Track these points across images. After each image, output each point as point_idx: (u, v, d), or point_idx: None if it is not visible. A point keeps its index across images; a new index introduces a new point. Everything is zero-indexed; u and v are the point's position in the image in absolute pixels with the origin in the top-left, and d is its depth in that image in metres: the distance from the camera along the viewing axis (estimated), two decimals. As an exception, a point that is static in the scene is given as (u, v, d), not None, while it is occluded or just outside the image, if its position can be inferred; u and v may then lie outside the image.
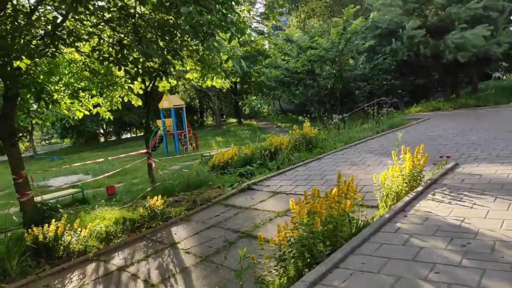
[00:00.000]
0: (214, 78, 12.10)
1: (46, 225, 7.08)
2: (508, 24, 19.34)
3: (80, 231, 7.24)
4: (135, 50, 6.64)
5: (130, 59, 7.71)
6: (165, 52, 7.37)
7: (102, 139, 48.34)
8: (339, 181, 5.22)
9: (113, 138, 50.13)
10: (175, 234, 7.65)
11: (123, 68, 7.45)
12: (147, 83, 11.71)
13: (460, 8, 17.17)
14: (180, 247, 6.73)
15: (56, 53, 6.84)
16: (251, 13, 44.15)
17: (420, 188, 6.37)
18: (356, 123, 17.51)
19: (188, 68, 11.73)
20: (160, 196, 8.81)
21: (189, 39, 7.44)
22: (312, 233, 4.29)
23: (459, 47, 16.68)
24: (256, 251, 4.97)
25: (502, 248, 4.03)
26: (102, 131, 46.61)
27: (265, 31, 47.52)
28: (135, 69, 8.69)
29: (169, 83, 11.76)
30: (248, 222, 7.53)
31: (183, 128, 27.69)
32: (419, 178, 6.80)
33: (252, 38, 43.16)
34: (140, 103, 12.43)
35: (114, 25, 7.25)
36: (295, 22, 41.22)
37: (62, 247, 6.98)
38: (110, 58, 7.66)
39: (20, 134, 12.78)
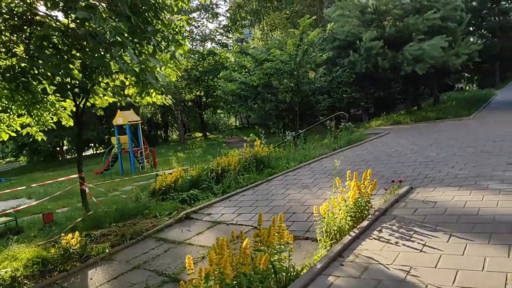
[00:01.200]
0: (153, 94, 11.11)
1: None
2: (466, 35, 19.10)
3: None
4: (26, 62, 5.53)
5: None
6: (73, 66, 6.34)
7: (62, 157, 46.35)
8: (260, 225, 4.25)
9: (75, 155, 48.12)
10: (91, 279, 6.52)
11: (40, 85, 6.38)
12: (78, 101, 10.56)
13: (418, 19, 16.76)
14: (90, 299, 5.63)
15: None
16: (212, 24, 43.64)
17: (365, 223, 5.48)
18: (314, 139, 16.77)
19: (127, 83, 10.69)
20: (77, 232, 7.63)
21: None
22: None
23: (417, 58, 16.22)
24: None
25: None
26: (63, 148, 44.53)
27: (230, 43, 46.93)
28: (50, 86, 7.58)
29: (98, 99, 10.61)
30: (177, 262, 6.51)
31: (139, 145, 26.38)
32: (366, 209, 5.93)
33: (216, 51, 42.37)
34: (71, 123, 11.27)
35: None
36: (259, 35, 40.64)
37: None
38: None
39: None
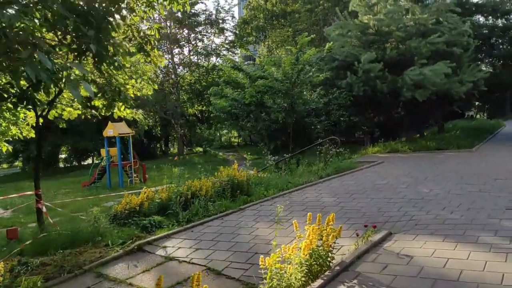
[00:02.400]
0: (122, 108, 10.24)
1: None
2: (474, 62, 18.10)
3: None
4: None
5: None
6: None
7: (62, 165, 45.84)
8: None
9: (73, 164, 47.51)
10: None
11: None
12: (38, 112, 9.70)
13: (421, 42, 15.82)
14: None
15: None
16: (218, 41, 43.15)
17: (317, 284, 4.43)
18: (305, 163, 15.77)
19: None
20: (3, 262, 6.65)
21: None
22: None
23: (417, 84, 15.23)
24: None
25: None
26: (58, 156, 43.86)
27: (237, 59, 46.37)
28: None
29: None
30: (107, 309, 5.51)
31: (128, 158, 25.51)
32: (326, 262, 4.89)
33: (221, 67, 41.57)
34: (32, 134, 10.44)
35: None
36: (265, 52, 40.06)
37: None
38: None
39: None
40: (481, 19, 27.61)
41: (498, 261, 4.84)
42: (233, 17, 42.79)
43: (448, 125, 25.01)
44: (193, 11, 42.40)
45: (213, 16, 42.13)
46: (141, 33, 8.89)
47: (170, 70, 41.44)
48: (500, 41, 26.78)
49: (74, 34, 6.28)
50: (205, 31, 42.78)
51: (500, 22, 26.22)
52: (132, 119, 10.64)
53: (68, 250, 8.21)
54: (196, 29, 42.35)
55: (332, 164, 13.09)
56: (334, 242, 5.05)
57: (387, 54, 16.33)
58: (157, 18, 41.20)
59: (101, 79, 9.30)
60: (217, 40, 43.32)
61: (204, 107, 42.55)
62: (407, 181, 10.98)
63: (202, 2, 41.60)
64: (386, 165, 13.54)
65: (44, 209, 10.08)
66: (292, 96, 16.81)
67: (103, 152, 25.29)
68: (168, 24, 40.52)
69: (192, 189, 10.33)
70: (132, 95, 10.91)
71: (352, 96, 17.43)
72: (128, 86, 10.66)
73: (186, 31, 41.98)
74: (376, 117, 19.70)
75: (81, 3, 6.24)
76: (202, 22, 41.92)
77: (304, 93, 17.86)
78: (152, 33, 8.89)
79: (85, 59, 7.64)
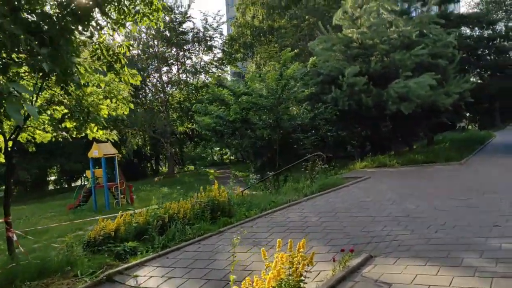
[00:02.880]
0: (94, 129, 9.91)
1: None
2: (460, 74, 17.92)
3: None
4: None
5: None
6: None
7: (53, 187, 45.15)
8: None
9: (62, 186, 46.79)
10: None
11: None
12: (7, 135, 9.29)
13: (405, 55, 15.64)
14: None
15: None
16: (207, 58, 43.04)
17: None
18: (292, 179, 15.45)
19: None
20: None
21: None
22: None
23: (402, 97, 14.99)
24: None
25: None
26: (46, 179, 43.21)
27: (227, 76, 46.25)
28: None
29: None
30: None
31: (115, 179, 25.00)
32: (295, 293, 4.49)
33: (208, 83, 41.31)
34: (2, 159, 10.01)
35: None
36: (253, 68, 39.95)
37: None
38: None
39: None
40: (467, 31, 27.68)
41: (482, 288, 4.47)
42: (221, 34, 42.86)
43: (438, 137, 24.78)
44: (181, 29, 42.44)
45: (201, 34, 42.15)
46: (110, 51, 8.57)
47: (159, 88, 41.25)
48: (486, 51, 26.83)
49: (27, 53, 5.97)
50: (193, 49, 42.77)
51: (485, 33, 26.30)
52: (106, 140, 10.24)
53: (35, 281, 7.75)
54: (184, 47, 42.31)
55: (318, 181, 12.73)
56: (306, 271, 4.65)
57: (371, 67, 16.12)
58: (144, 38, 41.18)
59: (70, 100, 8.96)
60: (206, 58, 43.12)
61: (194, 125, 42.28)
62: (393, 197, 10.63)
63: (190, 21, 41.24)
64: (372, 181, 13.19)
65: (15, 238, 9.60)
66: (277, 112, 16.51)
67: (88, 173, 24.81)
68: (156, 43, 40.45)
69: (169, 212, 9.91)
70: (106, 116, 10.54)
71: (338, 110, 17.17)
72: (102, 106, 10.30)
73: (175, 49, 41.90)
74: (364, 131, 19.43)
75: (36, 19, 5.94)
76: (190, 40, 41.91)
77: (290, 108, 17.58)
78: (123, 51, 8.59)
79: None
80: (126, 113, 11.05)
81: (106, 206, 23.62)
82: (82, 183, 46.88)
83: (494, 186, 11.17)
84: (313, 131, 18.43)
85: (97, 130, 10.02)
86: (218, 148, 50.81)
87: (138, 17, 8.56)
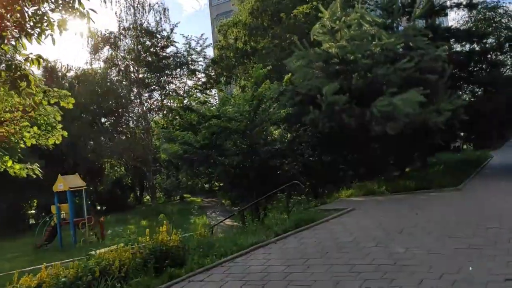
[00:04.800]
0: (9, 163, 8.16)
1: None
2: (451, 90, 16.30)
3: None
4: None
5: None
6: None
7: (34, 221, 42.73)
8: None
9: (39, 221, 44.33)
10: None
11: None
12: None
13: (389, 69, 14.04)
14: None
15: None
16: (191, 82, 41.63)
17: None
18: (271, 210, 13.61)
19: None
20: None
21: None
22: None
23: (387, 116, 13.31)
24: None
25: None
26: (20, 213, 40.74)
27: (212, 101, 44.64)
28: None
29: None
30: None
31: (82, 214, 23.14)
32: None
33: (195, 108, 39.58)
34: None
35: None
36: (238, 91, 38.44)
37: None
38: None
39: None
40: (457, 45, 26.38)
41: None
42: (205, 58, 41.59)
43: (432, 160, 23.03)
44: (164, 54, 41.17)
45: (184, 58, 40.90)
46: (13, 66, 6.90)
47: (141, 116, 39.58)
48: (479, 66, 25.50)
49: None
50: (176, 73, 41.46)
51: (477, 47, 24.99)
52: (26, 175, 8.44)
53: None
54: (167, 71, 40.97)
55: (293, 216, 10.86)
56: None
57: (353, 84, 14.51)
58: (120, 62, 39.77)
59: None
60: (190, 82, 41.72)
61: (161, 153, 40.35)
62: (379, 236, 8.76)
63: (173, 45, 40.06)
64: (357, 214, 11.30)
65: None
66: (252, 137, 14.81)
67: (53, 209, 22.98)
68: (136, 68, 39.06)
69: (102, 264, 8.01)
70: (29, 145, 8.84)
71: (319, 132, 15.50)
72: (26, 134, 8.55)
73: (157, 74, 40.49)
74: (349, 155, 17.70)
75: None
76: (173, 65, 40.62)
77: (265, 132, 15.89)
78: (32, 65, 6.91)
79: None
80: (58, 142, 9.29)
81: (73, 245, 21.84)
82: (48, 218, 44.60)
83: (497, 218, 9.37)
84: (294, 157, 16.70)
85: (10, 165, 8.24)
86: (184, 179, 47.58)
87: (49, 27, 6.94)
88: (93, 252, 11.71)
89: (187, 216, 34.14)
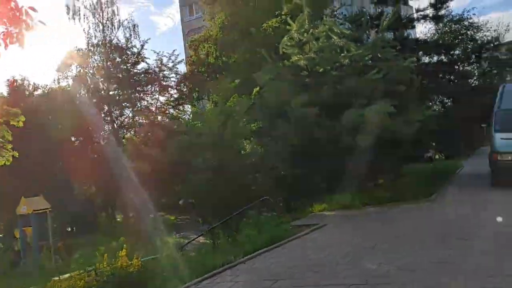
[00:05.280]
0: None
1: None
2: (420, 101, 16.29)
3: None
4: None
5: None
6: None
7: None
8: None
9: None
10: None
11: None
12: None
13: (358, 81, 13.93)
14: None
15: None
16: (163, 98, 40.98)
17: None
18: (237, 228, 13.16)
19: None
20: None
21: None
22: None
23: (357, 128, 13.14)
24: None
25: None
26: None
27: (186, 117, 43.96)
28: None
29: None
30: None
31: (48, 238, 22.18)
32: None
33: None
34: None
35: None
36: (212, 106, 38.00)
37: None
38: None
39: None
40: (425, 57, 26.71)
41: None
42: (177, 74, 40.99)
43: (405, 170, 23.01)
44: (135, 70, 40.44)
45: (155, 75, 40.23)
46: None
47: (112, 134, 38.57)
48: (447, 77, 25.83)
49: None
50: (147, 90, 40.71)
51: (444, 58, 25.36)
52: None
53: None
54: (138, 88, 40.21)
55: (264, 233, 10.43)
56: None
57: (323, 96, 14.32)
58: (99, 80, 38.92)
59: None
60: (162, 98, 40.97)
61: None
62: (350, 253, 8.43)
63: (144, 61, 39.36)
64: (329, 229, 10.96)
65: None
66: (221, 152, 14.39)
67: (16, 233, 21.92)
68: (106, 85, 38.18)
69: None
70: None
71: (290, 146, 15.19)
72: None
73: (127, 91, 39.66)
74: (323, 167, 17.41)
75: None
76: (144, 81, 39.89)
77: (235, 147, 15.49)
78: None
79: None
80: (8, 163, 8.70)
81: (36, 271, 20.78)
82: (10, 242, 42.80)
83: (472, 228, 9.20)
84: (266, 171, 16.33)
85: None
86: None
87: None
88: (56, 278, 11.05)
89: (159, 234, 33.26)
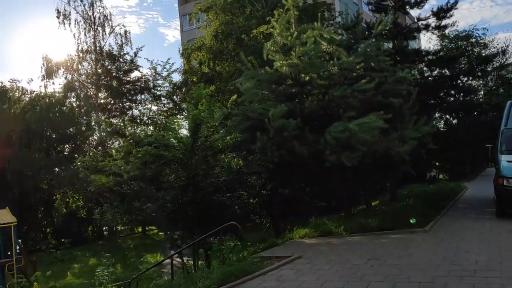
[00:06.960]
0: None
1: None
2: (417, 115, 14.52)
3: None
4: None
5: None
6: None
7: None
8: None
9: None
10: None
11: None
12: None
13: (346, 90, 12.28)
14: None
15: None
16: (155, 108, 39.66)
17: None
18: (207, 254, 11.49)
19: None
20: None
21: None
22: None
23: (343, 144, 11.44)
24: None
25: None
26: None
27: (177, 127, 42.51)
28: None
29: None
30: None
31: (10, 255, 20.48)
32: None
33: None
34: None
35: None
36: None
37: None
38: None
39: None
40: (427, 72, 25.10)
41: None
42: (170, 83, 39.69)
43: (403, 192, 21.20)
44: (127, 78, 39.20)
45: (149, 83, 39.01)
46: None
47: (101, 143, 37.07)
48: (450, 93, 24.16)
49: None
50: (139, 99, 39.49)
51: (447, 72, 23.71)
52: None
53: None
54: (129, 97, 38.98)
55: (220, 269, 8.66)
56: None
57: (306, 107, 12.67)
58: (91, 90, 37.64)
59: None
60: (155, 108, 39.73)
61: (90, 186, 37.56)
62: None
63: (137, 70, 38.10)
64: (301, 264, 9.14)
65: None
66: (191, 167, 12.74)
67: (-21, 249, 20.14)
68: (97, 93, 36.87)
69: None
70: None
71: (271, 162, 13.55)
72: None
73: (119, 100, 38.37)
74: (308, 187, 15.77)
75: None
76: (134, 91, 38.66)
77: (207, 162, 13.84)
78: None
79: None
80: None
81: (0, 289, 19.09)
82: None
83: (472, 268, 7.43)
84: (245, 190, 14.65)
85: None
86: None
87: None
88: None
89: (144, 252, 31.47)
